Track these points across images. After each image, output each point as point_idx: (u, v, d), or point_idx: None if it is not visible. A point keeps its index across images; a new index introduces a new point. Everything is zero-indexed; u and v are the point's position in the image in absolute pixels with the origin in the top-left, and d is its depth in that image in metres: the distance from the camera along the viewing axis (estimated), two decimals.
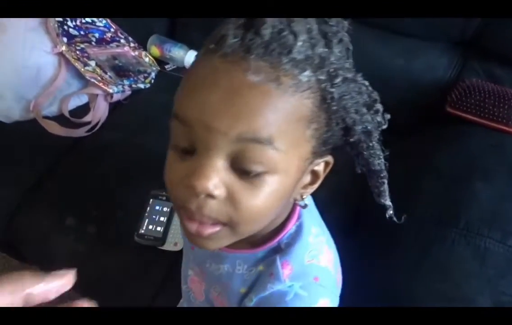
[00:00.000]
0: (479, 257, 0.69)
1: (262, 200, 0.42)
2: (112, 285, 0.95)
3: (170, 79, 1.28)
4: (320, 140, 0.44)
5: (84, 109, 1.19)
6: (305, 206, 0.49)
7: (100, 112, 1.18)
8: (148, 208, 0.97)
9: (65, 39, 1.20)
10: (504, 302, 0.65)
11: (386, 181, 0.51)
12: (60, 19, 1.23)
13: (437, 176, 0.84)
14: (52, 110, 1.18)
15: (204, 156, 0.40)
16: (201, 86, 0.40)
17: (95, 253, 0.96)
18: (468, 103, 0.87)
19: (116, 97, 1.20)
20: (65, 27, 1.24)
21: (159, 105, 1.20)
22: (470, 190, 0.76)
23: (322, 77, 0.42)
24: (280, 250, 0.50)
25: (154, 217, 0.96)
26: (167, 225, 0.95)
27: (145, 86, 1.25)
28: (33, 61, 1.14)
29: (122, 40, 1.33)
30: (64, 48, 1.17)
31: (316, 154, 0.45)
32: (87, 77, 1.16)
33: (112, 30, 1.34)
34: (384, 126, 0.49)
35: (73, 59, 1.17)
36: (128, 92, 1.23)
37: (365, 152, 0.49)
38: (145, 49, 1.33)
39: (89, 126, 1.15)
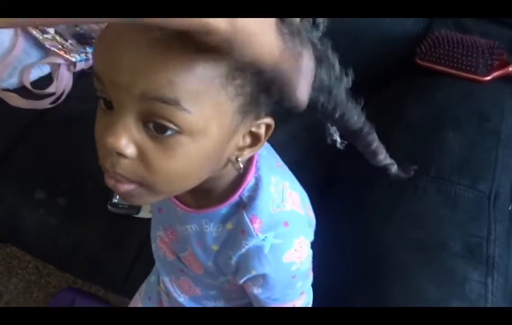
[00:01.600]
0: (450, 203, 0.71)
1: (176, 162, 0.40)
2: (87, 257, 0.93)
3: None
4: (247, 99, 0.40)
5: (47, 80, 1.14)
6: (239, 169, 0.46)
7: (63, 82, 1.14)
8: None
9: None
10: (473, 244, 0.67)
11: (375, 138, 0.49)
12: None
13: (407, 127, 0.85)
14: (12, 82, 1.12)
15: (116, 113, 0.39)
16: (108, 40, 0.38)
17: (67, 225, 0.94)
18: (437, 54, 0.88)
19: (80, 66, 1.15)
20: None
21: None
22: (440, 139, 0.77)
23: None
24: (244, 204, 0.49)
25: None
26: None
27: None
28: None
29: None
30: None
31: (247, 115, 0.42)
32: (46, 45, 1.11)
33: None
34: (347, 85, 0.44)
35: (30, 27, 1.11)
36: (92, 60, 1.18)
37: (336, 114, 0.45)
38: None
39: (53, 98, 1.11)
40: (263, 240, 0.48)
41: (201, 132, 0.39)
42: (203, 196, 0.49)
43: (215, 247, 0.52)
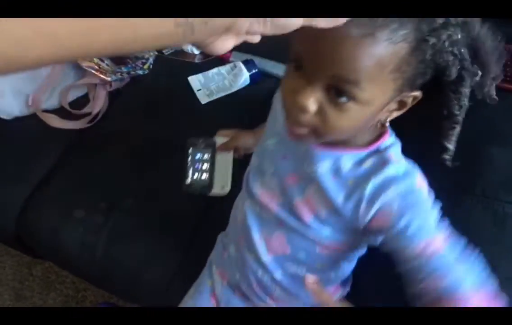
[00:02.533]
0: (499, 223, 0.68)
1: (345, 121, 0.53)
2: (125, 274, 0.94)
3: (168, 63, 1.25)
4: (407, 80, 0.53)
5: (84, 100, 1.18)
6: (383, 125, 0.59)
7: (99, 102, 1.16)
8: (190, 158, 0.97)
9: None
10: None
11: (457, 128, 0.58)
12: None
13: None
14: (52, 103, 1.16)
15: (307, 79, 0.52)
16: (315, 31, 0.47)
17: (106, 243, 0.95)
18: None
19: (115, 85, 1.18)
20: None
21: (160, 91, 1.19)
22: (485, 155, 0.74)
23: (423, 26, 0.50)
24: (381, 151, 0.60)
25: (197, 166, 0.96)
26: (211, 171, 0.96)
27: (143, 73, 1.22)
28: None
29: None
30: None
31: (403, 90, 0.54)
32: (84, 67, 1.14)
33: None
34: (495, 80, 0.56)
35: None
36: (127, 79, 1.21)
37: (452, 94, 0.55)
38: None
39: (90, 117, 1.14)
40: (398, 166, 0.59)
41: (368, 102, 0.52)
42: (344, 140, 0.60)
43: (350, 182, 0.60)
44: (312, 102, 0.52)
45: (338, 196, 0.61)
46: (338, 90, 0.51)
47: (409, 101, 0.56)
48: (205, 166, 0.96)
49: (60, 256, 1.04)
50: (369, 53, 0.49)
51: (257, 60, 1.16)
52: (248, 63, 1.14)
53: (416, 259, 0.56)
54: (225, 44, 0.43)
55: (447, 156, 0.59)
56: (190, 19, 0.37)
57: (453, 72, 0.53)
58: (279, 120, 0.68)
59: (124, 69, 1.19)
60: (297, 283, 0.69)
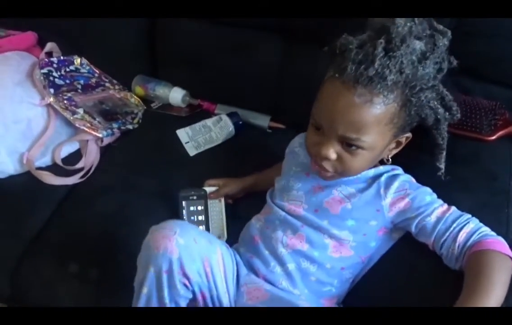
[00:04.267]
0: None
1: (358, 162, 0.77)
2: None
3: (156, 117, 1.32)
4: (400, 127, 0.76)
5: (76, 155, 1.22)
6: (388, 161, 0.83)
7: (92, 157, 1.21)
8: (184, 211, 1.02)
9: (52, 90, 1.23)
10: None
11: (443, 152, 0.82)
12: (45, 71, 1.27)
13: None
14: (45, 160, 1.20)
15: (326, 139, 0.76)
16: (327, 100, 0.75)
17: (100, 297, 0.98)
18: None
19: (106, 140, 1.23)
20: (51, 78, 1.27)
21: (150, 144, 1.24)
22: (450, 201, 0.79)
23: (406, 91, 0.72)
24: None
25: (192, 218, 1.01)
26: (207, 222, 1.01)
27: (133, 127, 1.28)
28: (22, 115, 1.17)
29: (107, 84, 1.37)
30: (51, 99, 1.20)
31: (398, 134, 0.77)
32: (76, 125, 1.19)
33: (96, 75, 1.38)
34: (455, 120, 0.80)
35: (61, 109, 1.20)
36: (117, 134, 1.26)
37: (433, 131, 0.80)
38: (130, 90, 1.37)
39: (82, 172, 1.18)
40: (399, 171, 0.84)
41: (372, 147, 0.75)
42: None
43: (369, 180, 0.83)
44: (332, 152, 0.76)
45: (361, 186, 0.82)
46: (347, 142, 0.74)
47: (403, 141, 0.80)
48: (201, 217, 1.01)
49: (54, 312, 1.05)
50: (369, 114, 0.71)
51: (240, 112, 1.24)
52: (232, 116, 1.21)
53: (439, 222, 0.75)
54: None
55: (440, 173, 0.82)
56: None
57: (431, 120, 0.78)
58: (300, 155, 0.93)
59: (114, 124, 1.25)
60: (304, 279, 0.83)
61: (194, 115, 1.28)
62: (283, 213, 0.86)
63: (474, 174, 0.84)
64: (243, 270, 0.87)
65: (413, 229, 0.78)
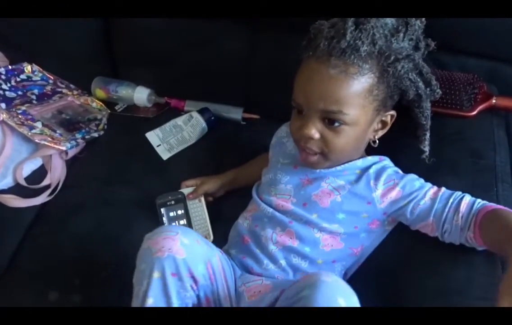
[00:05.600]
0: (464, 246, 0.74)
1: (341, 140, 0.76)
2: None
3: (122, 120, 1.25)
4: (381, 101, 0.76)
5: (40, 172, 1.14)
6: (374, 143, 0.82)
7: (57, 172, 1.13)
8: (164, 218, 0.98)
9: (3, 105, 1.14)
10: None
11: (427, 133, 0.82)
12: None
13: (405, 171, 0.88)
14: (7, 182, 1.11)
15: (307, 118, 0.76)
16: (303, 79, 0.76)
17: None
18: None
19: (71, 153, 1.16)
20: (1, 91, 1.17)
21: (119, 151, 1.18)
22: (439, 184, 0.79)
23: (382, 61, 0.73)
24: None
25: (174, 223, 0.97)
26: (190, 225, 0.97)
27: (99, 134, 1.21)
28: None
29: (64, 90, 1.28)
30: (4, 115, 1.11)
31: (380, 110, 0.77)
32: (36, 141, 1.11)
33: (51, 81, 1.29)
34: (437, 97, 0.81)
35: (16, 125, 1.11)
36: (82, 144, 1.18)
37: (416, 110, 0.82)
38: (89, 94, 1.28)
39: (49, 190, 1.11)
40: (386, 161, 0.84)
41: (355, 122, 0.75)
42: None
43: (358, 171, 0.82)
44: (314, 131, 0.75)
45: (350, 178, 0.81)
46: (330, 119, 0.74)
47: (388, 120, 0.80)
48: (182, 221, 0.98)
49: None
50: (346, 85, 0.72)
51: (211, 106, 1.19)
52: (203, 112, 1.16)
53: (434, 202, 0.75)
54: None
55: (424, 156, 0.82)
56: None
57: (411, 93, 0.79)
58: (287, 146, 0.91)
59: (78, 135, 1.17)
60: (296, 274, 0.81)
61: (162, 115, 1.22)
62: (270, 209, 0.84)
63: (459, 153, 0.83)
64: (238, 272, 0.85)
65: (408, 215, 0.77)
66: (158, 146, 1.14)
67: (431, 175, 0.79)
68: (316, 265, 0.81)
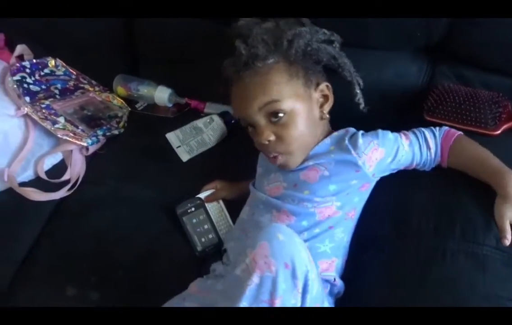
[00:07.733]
0: (480, 266, 0.74)
1: (293, 130, 0.83)
2: None
3: (143, 119, 1.25)
4: (304, 77, 0.85)
5: (60, 167, 1.16)
6: (326, 117, 0.89)
7: (77, 168, 1.15)
8: (188, 226, 1.00)
9: (27, 98, 1.16)
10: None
11: (356, 88, 0.91)
12: (18, 77, 1.18)
13: (424, 185, 0.88)
14: (28, 175, 1.13)
15: (257, 127, 0.84)
16: (234, 100, 0.88)
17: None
18: (445, 110, 0.90)
19: (92, 149, 1.17)
20: (25, 85, 1.19)
21: (138, 150, 1.18)
22: (458, 198, 0.79)
23: (281, 53, 0.84)
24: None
25: (198, 230, 1.00)
26: (214, 227, 1.00)
27: (119, 132, 1.22)
28: None
29: (86, 86, 1.30)
30: (28, 109, 1.12)
31: (310, 85, 0.86)
32: (58, 135, 1.12)
33: (73, 76, 1.30)
34: (338, 43, 0.91)
35: (40, 119, 1.12)
36: (103, 141, 1.20)
37: (339, 70, 0.91)
38: (111, 91, 1.30)
39: (69, 185, 1.12)
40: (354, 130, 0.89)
41: (294, 106, 0.82)
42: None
43: (332, 147, 0.87)
44: (268, 133, 0.83)
45: (329, 156, 0.85)
46: (271, 114, 0.82)
47: (326, 91, 0.88)
48: (206, 225, 1.00)
49: None
50: (264, 79, 0.82)
51: (232, 109, 1.18)
52: (224, 115, 1.16)
53: (412, 148, 0.85)
54: None
55: (361, 108, 0.91)
56: None
57: (323, 58, 0.88)
58: None
59: (99, 131, 1.18)
60: None
61: (182, 115, 1.22)
62: (264, 196, 0.90)
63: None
64: None
65: (393, 166, 0.86)
66: (178, 147, 1.14)
67: (449, 186, 0.80)
68: (314, 235, 0.84)
